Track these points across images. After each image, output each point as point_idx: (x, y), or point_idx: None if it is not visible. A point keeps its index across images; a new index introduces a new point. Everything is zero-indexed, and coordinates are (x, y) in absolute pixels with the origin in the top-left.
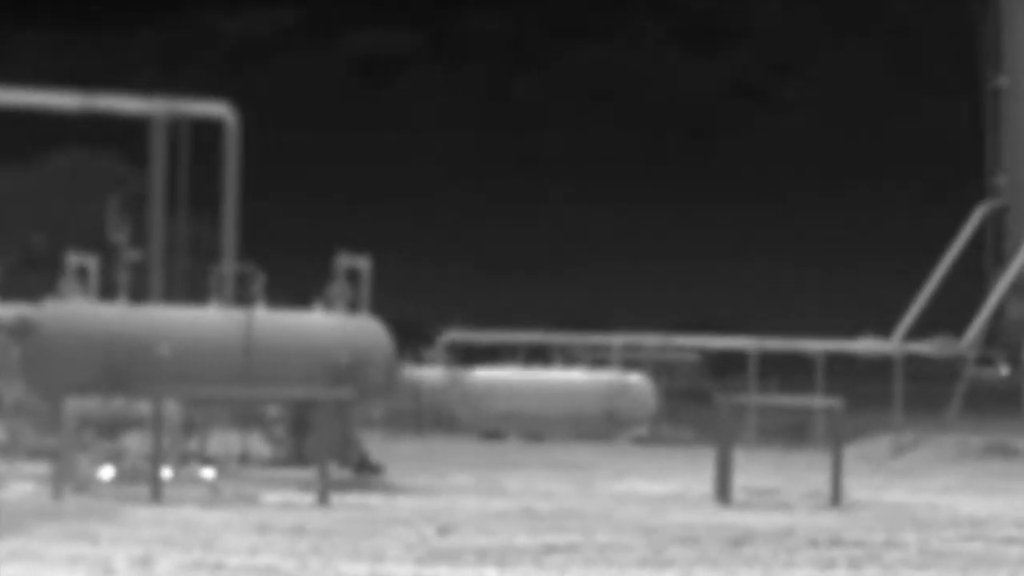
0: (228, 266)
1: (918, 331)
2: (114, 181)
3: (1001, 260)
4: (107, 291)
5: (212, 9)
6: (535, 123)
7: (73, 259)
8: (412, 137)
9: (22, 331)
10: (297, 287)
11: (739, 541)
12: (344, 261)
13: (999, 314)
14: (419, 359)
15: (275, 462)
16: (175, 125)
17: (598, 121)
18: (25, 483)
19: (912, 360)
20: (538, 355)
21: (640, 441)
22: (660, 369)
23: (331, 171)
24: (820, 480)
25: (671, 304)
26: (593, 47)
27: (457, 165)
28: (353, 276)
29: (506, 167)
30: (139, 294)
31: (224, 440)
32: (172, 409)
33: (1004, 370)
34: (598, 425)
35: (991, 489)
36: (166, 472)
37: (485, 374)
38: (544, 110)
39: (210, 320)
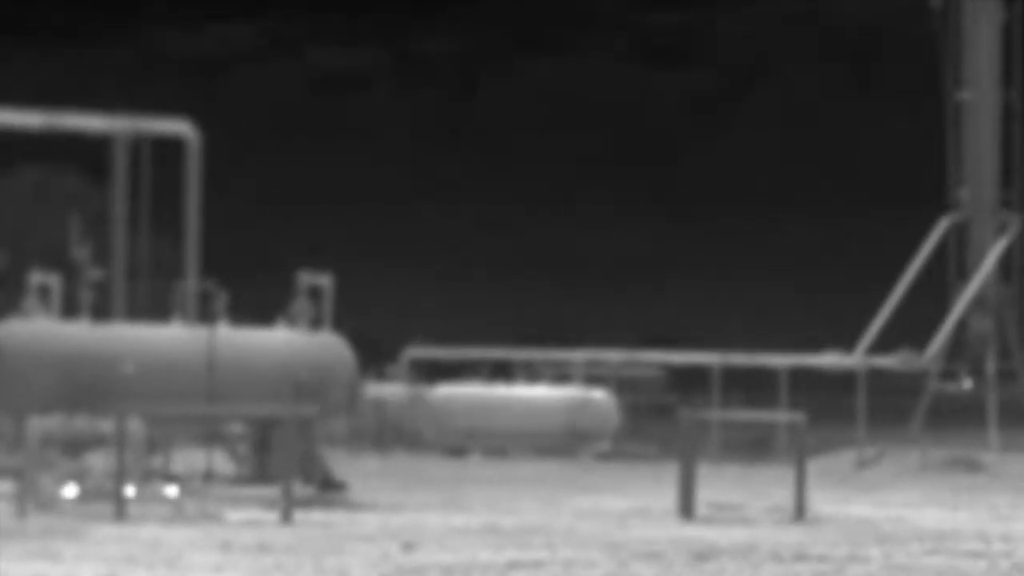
0: (191, 284)
1: (881, 345)
2: (76, 199)
3: (964, 274)
4: (70, 309)
5: (173, 27)
6: (496, 139)
7: (35, 277)
8: (374, 154)
9: None
10: (260, 304)
11: (703, 556)
12: (306, 278)
13: (962, 328)
14: (382, 375)
15: (239, 479)
16: (137, 143)
17: (560, 136)
18: None
19: (875, 374)
20: (501, 371)
21: (603, 457)
22: (623, 384)
23: (293, 189)
24: (784, 495)
25: (634, 319)
26: (554, 62)
27: (419, 182)
28: (315, 293)
29: (468, 183)
30: (102, 312)
31: (188, 458)
32: (135, 427)
33: (967, 384)
34: (561, 441)
35: (955, 503)
36: (130, 490)
37: (448, 390)
38: (505, 126)
39: (173, 338)
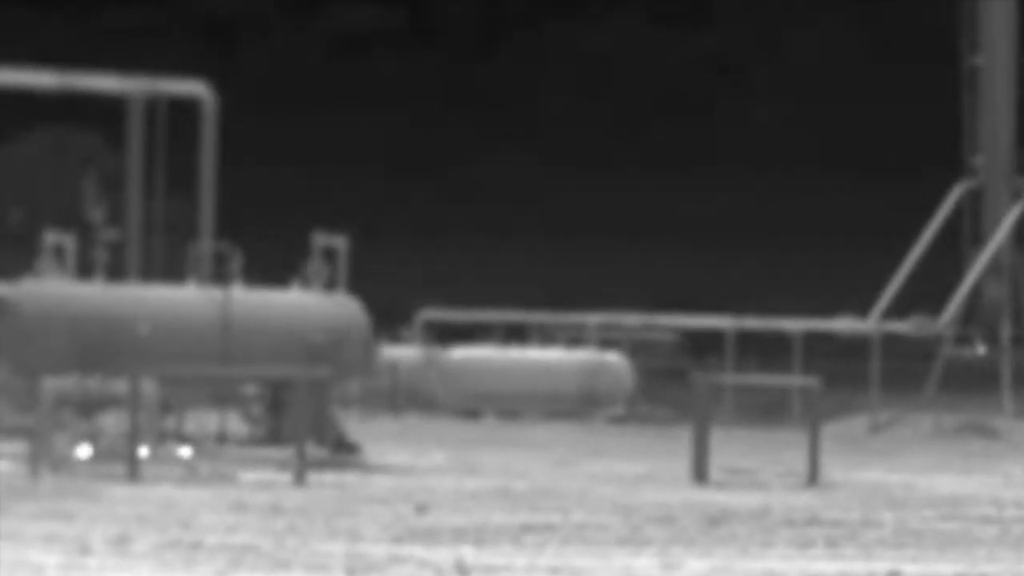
0: (205, 245)
1: (896, 310)
2: (91, 160)
3: (978, 240)
4: (84, 270)
5: None
6: (514, 102)
7: (50, 238)
8: (390, 113)
9: None
10: (274, 266)
11: (716, 520)
12: (321, 240)
13: (976, 294)
14: (396, 338)
15: (252, 441)
16: (152, 104)
17: (575, 98)
18: (1, 462)
19: (889, 339)
20: (515, 334)
21: (617, 420)
22: (637, 348)
23: (308, 150)
24: (797, 459)
25: (648, 283)
26: (569, 23)
27: (434, 143)
28: (330, 255)
29: (483, 145)
30: (116, 273)
31: (201, 419)
32: (149, 388)
33: (981, 349)
34: (575, 404)
35: (968, 468)
36: (143, 451)
37: (462, 353)
38: (523, 89)
39: (187, 299)
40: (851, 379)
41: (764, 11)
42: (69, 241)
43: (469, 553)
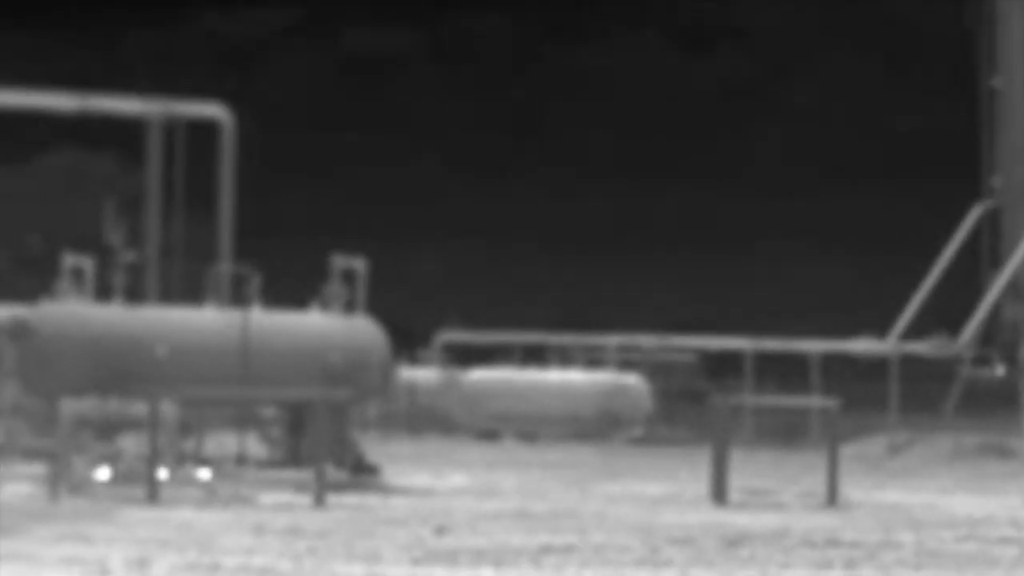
0: (224, 267)
1: (914, 331)
2: (110, 182)
3: (997, 261)
4: (103, 292)
5: (209, 9)
6: (533, 123)
7: (69, 260)
8: (409, 137)
9: (18, 332)
10: (293, 288)
11: (735, 541)
12: (340, 262)
13: (995, 315)
14: (415, 360)
15: (271, 463)
16: (171, 126)
17: (595, 121)
18: (21, 484)
19: (908, 360)
20: (534, 355)
21: (636, 441)
22: (656, 369)
23: (327, 171)
24: (816, 480)
25: (667, 304)
26: (591, 47)
27: (454, 165)
28: (349, 276)
29: (503, 167)
30: (135, 295)
31: (220, 441)
32: (168, 410)
33: (1000, 370)
34: (594, 425)
35: (987, 489)
36: (162, 473)
37: (481, 374)
38: (542, 110)
39: (206, 321)
40: (870, 400)
41: (784, 34)
42: (88, 263)
43: (489, 574)
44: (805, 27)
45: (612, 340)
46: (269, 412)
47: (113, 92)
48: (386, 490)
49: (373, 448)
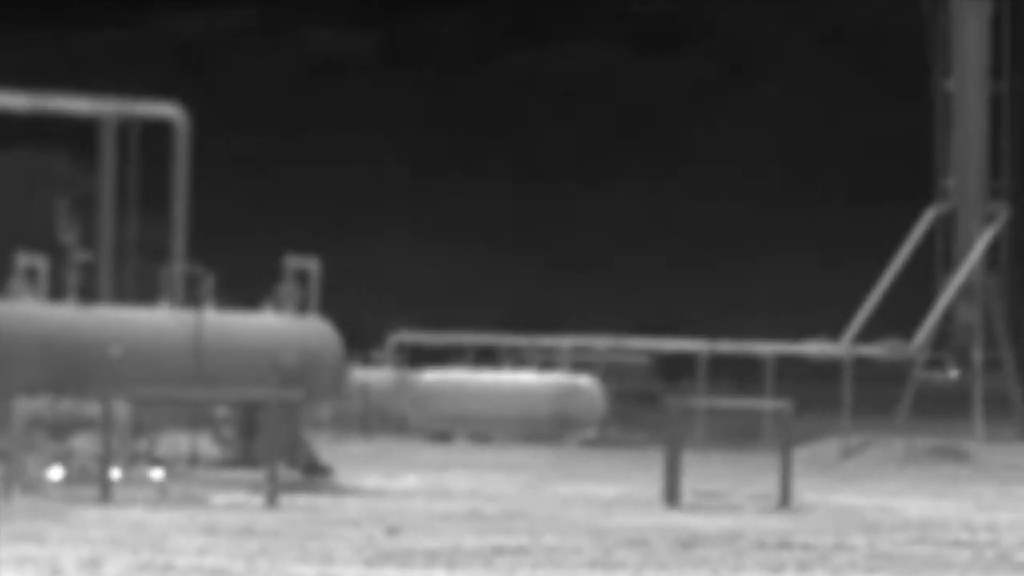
0: (178, 267)
1: (868, 334)
2: (64, 182)
3: (950, 263)
4: (57, 292)
5: (168, 9)
6: (489, 124)
7: (22, 260)
8: (363, 137)
9: None
10: (246, 288)
11: (688, 543)
12: (293, 262)
13: (948, 317)
14: (368, 360)
15: (224, 463)
16: (125, 126)
17: (552, 122)
18: None
19: (862, 363)
20: (487, 357)
21: (589, 443)
22: (610, 371)
23: (282, 171)
24: (769, 482)
25: (621, 306)
26: (547, 48)
27: (409, 166)
28: (302, 277)
29: (458, 168)
30: (89, 295)
31: (173, 441)
32: (121, 410)
33: (953, 373)
34: (547, 427)
35: (940, 492)
36: (115, 473)
37: (434, 376)
38: (498, 111)
39: (159, 321)
40: (823, 403)
41: (739, 35)
42: (41, 263)
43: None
44: (766, 29)
45: (565, 342)
46: (222, 412)
47: (67, 91)
48: (339, 491)
49: (326, 449)
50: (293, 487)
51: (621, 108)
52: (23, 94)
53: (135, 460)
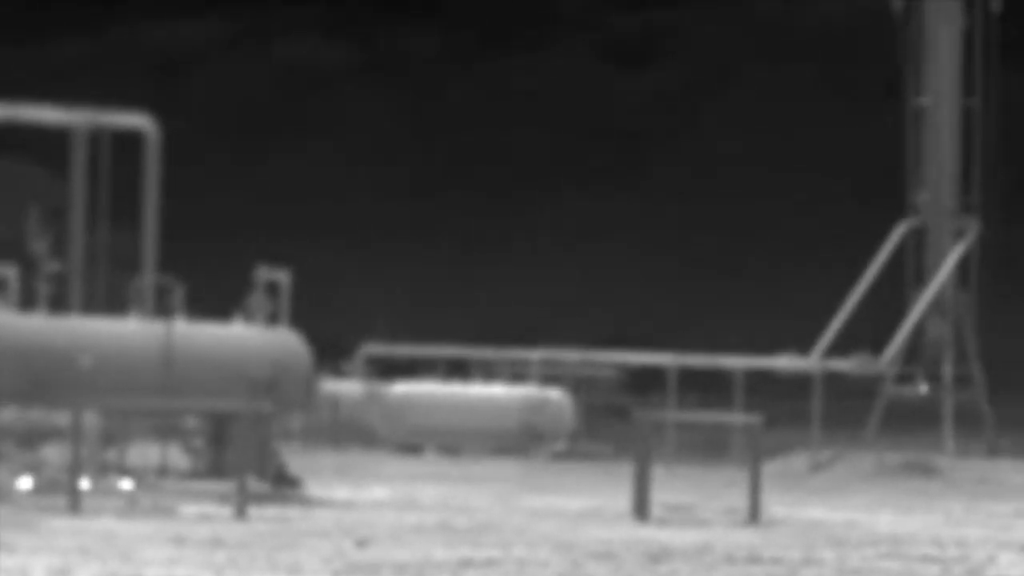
0: (148, 278)
1: (837, 348)
2: (34, 191)
3: (921, 278)
4: (27, 302)
5: (144, 19)
6: (463, 137)
7: None
8: (335, 147)
9: None
10: (217, 299)
11: (656, 557)
12: (264, 274)
13: (919, 332)
14: (338, 372)
15: (193, 474)
16: (96, 136)
17: (526, 135)
18: None
19: (831, 377)
20: (457, 369)
21: (558, 456)
22: (579, 384)
23: (251, 183)
24: (738, 496)
25: (590, 320)
26: (524, 60)
27: (383, 180)
28: (273, 289)
29: (433, 182)
30: (59, 305)
31: (143, 452)
32: (91, 420)
33: (923, 388)
34: (517, 440)
35: (909, 507)
36: (84, 483)
37: (404, 388)
38: (472, 124)
39: (130, 332)
40: (792, 417)
41: (712, 47)
42: (12, 272)
43: None
44: (729, 44)
45: (535, 355)
46: (192, 423)
47: (38, 101)
48: (308, 502)
49: (295, 460)
50: (262, 498)
51: (595, 116)
52: None
53: (105, 470)
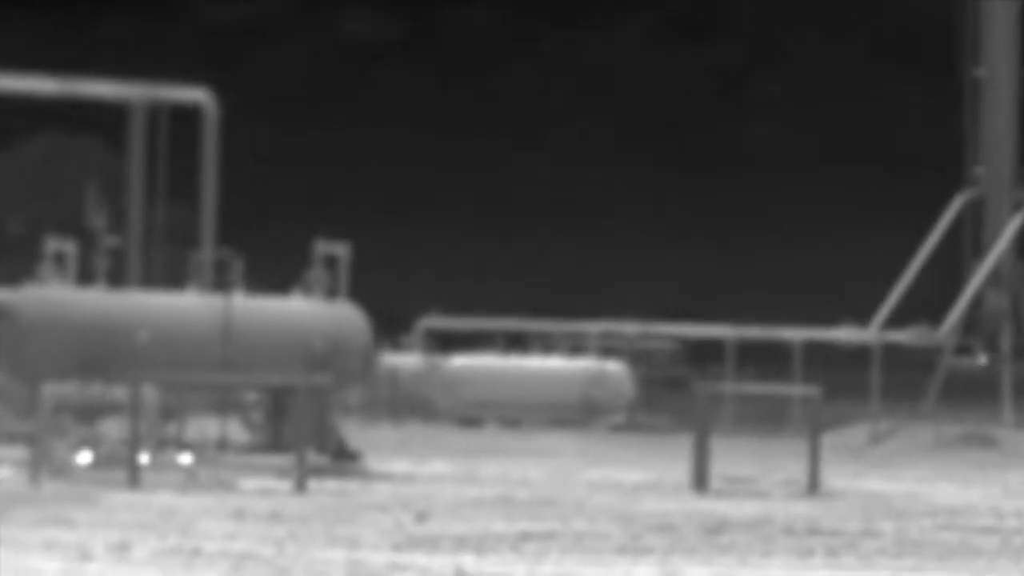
0: (207, 252)
1: (896, 320)
2: (92, 166)
3: (979, 250)
4: (85, 276)
5: None
6: (523, 111)
7: (51, 244)
8: (394, 122)
9: (0, 316)
10: (276, 273)
11: (715, 529)
12: (323, 247)
13: (977, 304)
14: (397, 345)
15: (252, 448)
16: (154, 110)
17: (581, 110)
18: (2, 468)
19: (890, 349)
20: (516, 342)
21: (617, 429)
22: (638, 357)
23: (312, 157)
24: (797, 468)
25: (649, 292)
26: (579, 38)
27: (440, 154)
28: (331, 262)
29: (488, 156)
30: (117, 280)
31: (202, 426)
32: (150, 395)
33: (982, 360)
34: (575, 412)
35: (968, 478)
36: (143, 458)
37: (463, 361)
38: (533, 98)
39: (188, 306)
40: (851, 388)
41: (766, 22)
42: (70, 247)
43: (469, 561)
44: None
45: (594, 327)
46: (250, 397)
47: (96, 76)
48: (367, 476)
49: (354, 434)
50: (322, 472)
51: (655, 93)
52: (52, 78)
53: (163, 445)
